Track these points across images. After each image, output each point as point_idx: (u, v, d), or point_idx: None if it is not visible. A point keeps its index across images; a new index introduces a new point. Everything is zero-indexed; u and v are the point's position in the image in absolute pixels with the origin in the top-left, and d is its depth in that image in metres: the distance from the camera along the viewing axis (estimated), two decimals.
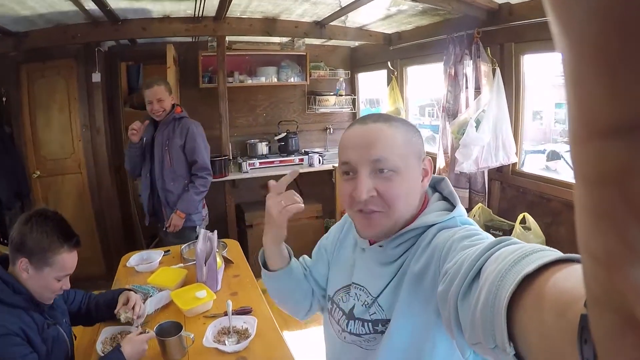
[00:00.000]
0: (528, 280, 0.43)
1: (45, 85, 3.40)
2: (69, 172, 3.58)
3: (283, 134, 4.14)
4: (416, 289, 0.80)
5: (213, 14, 3.16)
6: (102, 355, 1.40)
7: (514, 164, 2.78)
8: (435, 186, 0.95)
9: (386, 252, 0.88)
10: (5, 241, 2.86)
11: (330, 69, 4.47)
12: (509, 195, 2.84)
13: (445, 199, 0.92)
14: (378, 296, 0.87)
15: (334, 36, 3.65)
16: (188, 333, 1.49)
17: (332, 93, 4.45)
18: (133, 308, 1.60)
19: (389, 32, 3.74)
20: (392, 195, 0.81)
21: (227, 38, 3.59)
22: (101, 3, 2.56)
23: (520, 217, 2.48)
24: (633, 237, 0.15)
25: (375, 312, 0.88)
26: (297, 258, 1.12)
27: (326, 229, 4.13)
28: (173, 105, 2.71)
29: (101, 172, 3.61)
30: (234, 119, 4.09)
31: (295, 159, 3.96)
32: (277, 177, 0.99)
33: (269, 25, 3.40)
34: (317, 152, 4.04)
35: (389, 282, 0.86)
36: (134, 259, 2.25)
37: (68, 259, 1.37)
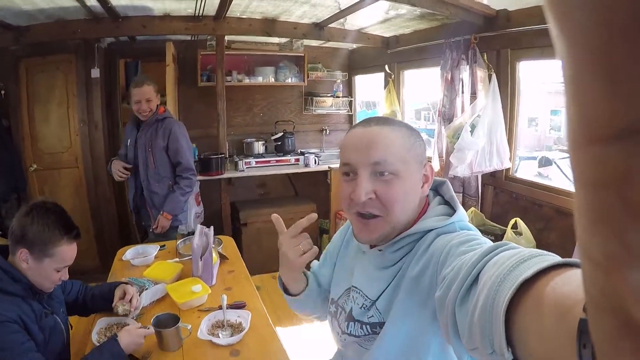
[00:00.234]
0: (526, 285, 0.43)
1: (44, 80, 3.41)
2: (66, 166, 3.59)
3: (280, 134, 4.15)
4: (412, 293, 0.80)
5: (213, 13, 3.18)
6: (98, 344, 1.43)
7: (508, 170, 2.81)
8: (437, 189, 0.95)
9: (385, 256, 0.88)
10: (2, 233, 2.87)
11: (327, 71, 4.50)
12: (501, 200, 2.87)
13: (446, 202, 0.91)
14: (376, 299, 0.88)
15: (333, 38, 3.68)
16: (185, 324, 1.52)
17: (329, 94, 4.47)
18: (130, 301, 1.62)
19: (387, 35, 3.77)
20: (391, 199, 0.81)
21: (226, 37, 3.61)
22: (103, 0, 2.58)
23: (512, 222, 2.50)
24: (632, 241, 0.15)
25: (373, 315, 0.88)
26: None
27: (321, 230, 4.16)
28: (157, 106, 2.72)
29: (98, 166, 3.62)
30: (231, 118, 4.12)
31: (291, 159, 3.97)
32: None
33: (269, 25, 3.43)
34: (313, 153, 4.06)
35: (387, 285, 0.87)
36: (129, 253, 2.27)
37: (68, 251, 1.39)
